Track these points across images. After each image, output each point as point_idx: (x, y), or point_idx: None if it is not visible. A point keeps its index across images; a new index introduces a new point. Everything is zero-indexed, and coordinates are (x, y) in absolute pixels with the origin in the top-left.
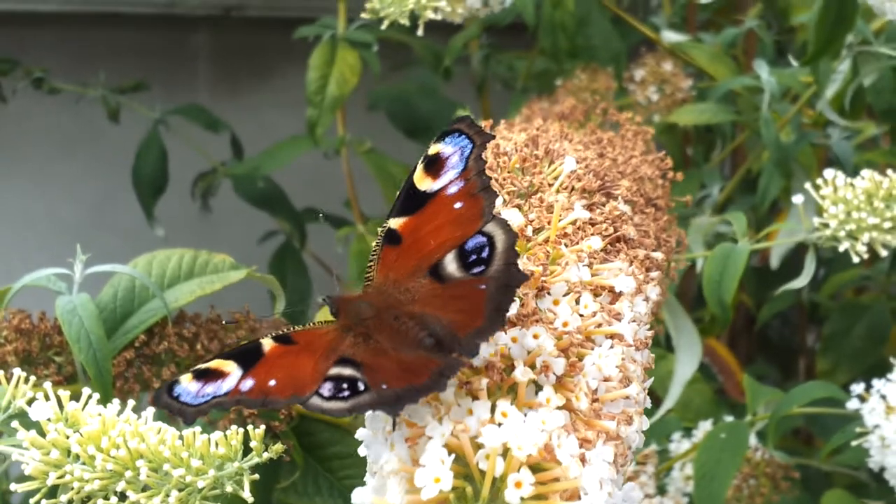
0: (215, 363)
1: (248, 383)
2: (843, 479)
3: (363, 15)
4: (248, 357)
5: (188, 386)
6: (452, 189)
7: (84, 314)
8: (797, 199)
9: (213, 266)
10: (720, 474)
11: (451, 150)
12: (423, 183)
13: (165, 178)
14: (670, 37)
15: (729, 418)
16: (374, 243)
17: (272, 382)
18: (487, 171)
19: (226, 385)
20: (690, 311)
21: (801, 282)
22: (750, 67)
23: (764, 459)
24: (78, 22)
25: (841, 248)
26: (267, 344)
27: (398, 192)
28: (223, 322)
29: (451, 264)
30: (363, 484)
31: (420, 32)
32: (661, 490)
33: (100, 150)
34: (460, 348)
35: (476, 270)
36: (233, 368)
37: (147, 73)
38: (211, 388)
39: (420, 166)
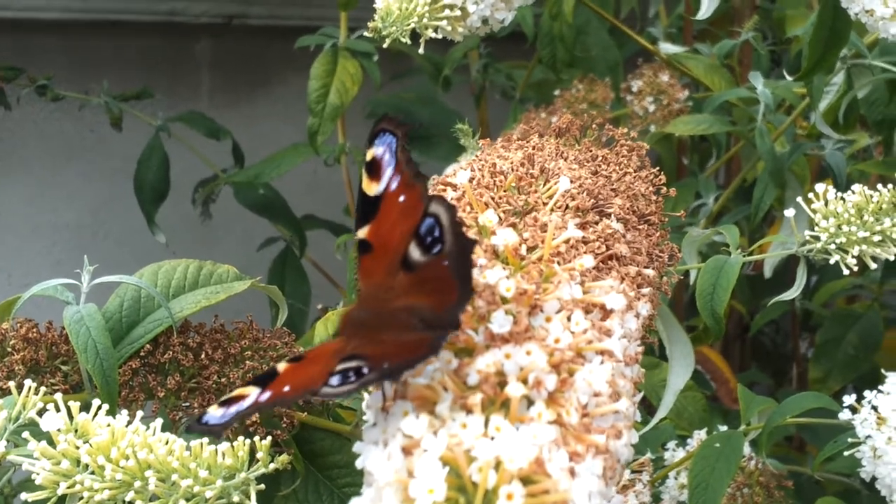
0: (238, 392)
1: (266, 395)
2: (835, 486)
3: (366, 33)
4: (267, 380)
5: (215, 413)
6: (393, 185)
7: (91, 324)
8: (789, 212)
9: (217, 276)
10: (714, 483)
11: (381, 149)
12: (371, 188)
13: (167, 184)
14: (667, 48)
15: (723, 427)
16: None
17: (286, 388)
18: (483, 190)
19: (246, 402)
20: (683, 320)
21: (791, 293)
22: (745, 78)
23: (758, 468)
24: (80, 29)
25: (832, 261)
26: (282, 367)
27: (356, 206)
28: (227, 332)
29: (414, 252)
30: (361, 492)
31: (421, 50)
32: (657, 498)
33: (102, 157)
34: (445, 324)
35: (435, 250)
36: (252, 390)
37: (149, 80)
38: (234, 408)
39: (364, 175)
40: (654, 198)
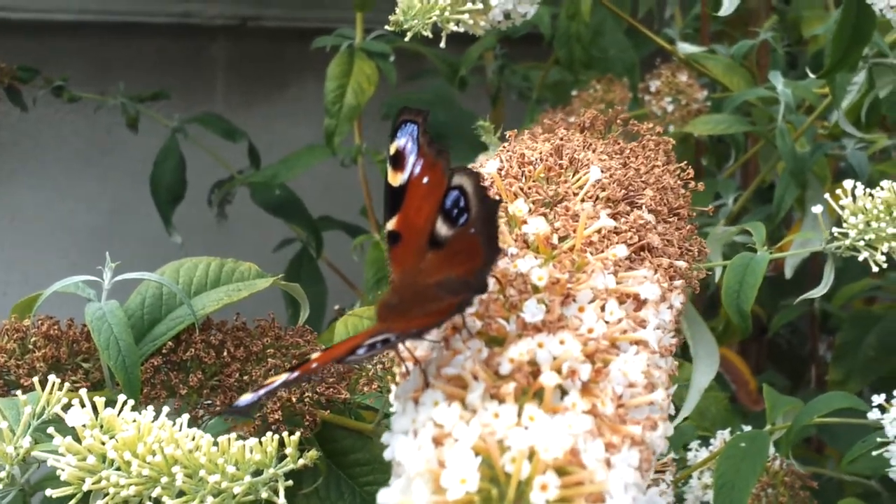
0: (269, 380)
1: (295, 373)
2: (855, 488)
3: (387, 27)
4: (298, 367)
5: (245, 397)
6: (416, 170)
7: (113, 321)
8: (816, 209)
9: (239, 274)
10: (740, 483)
11: (404, 140)
12: (396, 179)
13: (183, 185)
14: (685, 48)
15: (746, 427)
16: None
17: (314, 366)
18: (512, 180)
19: (277, 383)
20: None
21: (818, 291)
22: (763, 78)
23: (783, 468)
24: (96, 31)
25: (860, 258)
26: (314, 356)
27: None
28: (249, 329)
29: (441, 227)
30: (390, 483)
31: (442, 44)
32: (680, 499)
33: (118, 158)
34: (473, 289)
35: (462, 220)
36: (283, 375)
37: (165, 82)
38: (263, 390)
39: (389, 167)
40: (682, 192)
